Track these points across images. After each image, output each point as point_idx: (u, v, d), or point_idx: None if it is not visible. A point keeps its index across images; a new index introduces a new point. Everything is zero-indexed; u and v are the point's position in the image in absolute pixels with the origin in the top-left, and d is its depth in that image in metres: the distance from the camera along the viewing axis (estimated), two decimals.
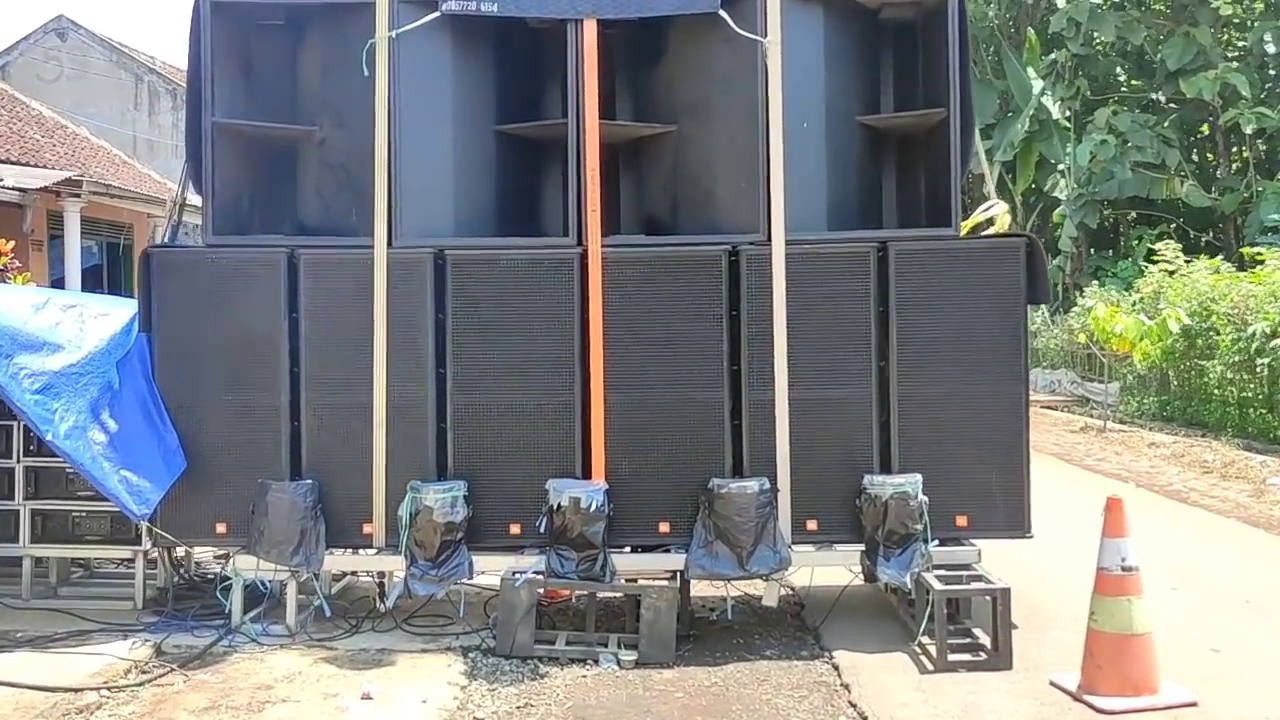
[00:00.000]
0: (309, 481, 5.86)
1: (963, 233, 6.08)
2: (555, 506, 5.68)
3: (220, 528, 6.01)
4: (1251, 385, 14.51)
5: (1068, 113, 25.42)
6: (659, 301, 5.91)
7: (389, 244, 5.99)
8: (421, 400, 5.96)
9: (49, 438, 5.41)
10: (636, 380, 5.91)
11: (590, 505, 5.64)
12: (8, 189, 16.13)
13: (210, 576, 6.69)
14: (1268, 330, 13.51)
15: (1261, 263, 15.13)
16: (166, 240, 6.47)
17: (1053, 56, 25.25)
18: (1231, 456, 12.46)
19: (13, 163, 17.95)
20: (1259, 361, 13.87)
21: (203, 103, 6.01)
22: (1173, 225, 24.80)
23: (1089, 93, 25.70)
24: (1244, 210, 23.40)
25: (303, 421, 6.00)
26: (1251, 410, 14.61)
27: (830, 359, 5.91)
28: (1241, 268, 17.45)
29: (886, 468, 5.90)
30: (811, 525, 5.91)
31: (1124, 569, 4.85)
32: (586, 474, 5.90)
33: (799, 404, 5.88)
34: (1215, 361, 15.08)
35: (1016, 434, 5.92)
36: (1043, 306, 19.67)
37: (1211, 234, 24.96)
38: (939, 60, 6.10)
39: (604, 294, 5.86)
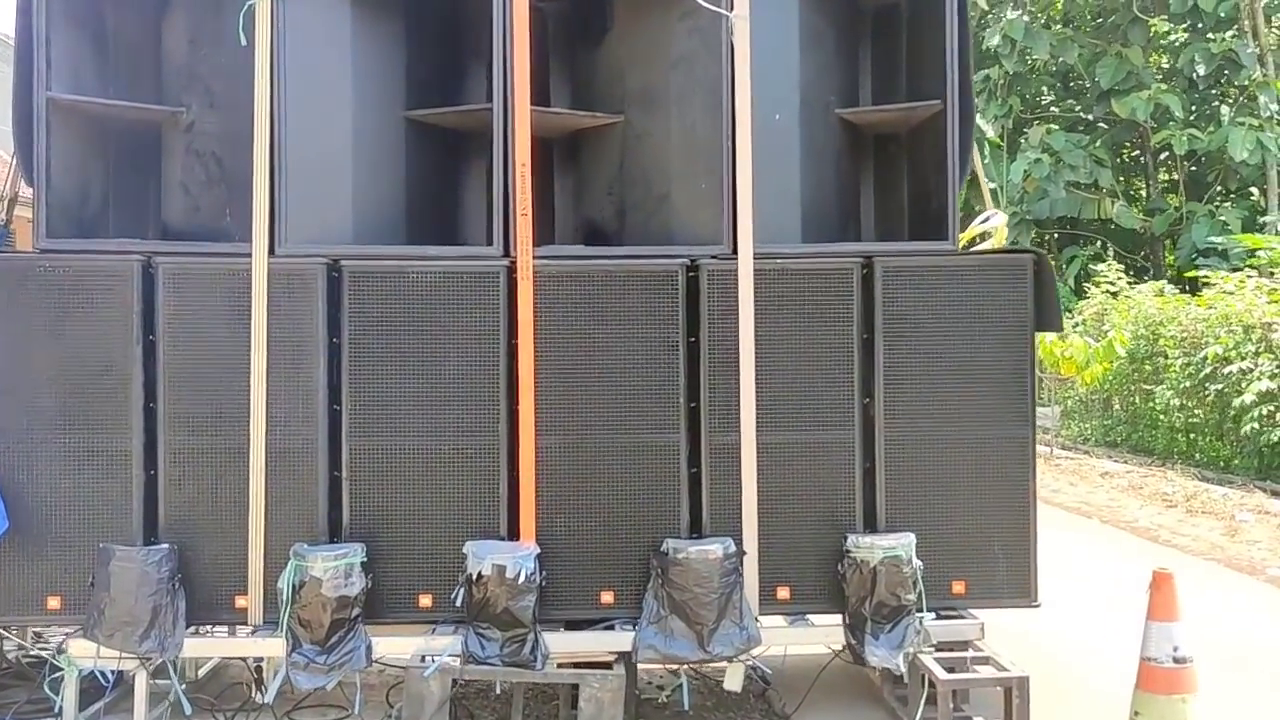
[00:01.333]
0: (164, 547, 4.69)
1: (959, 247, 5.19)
2: (475, 576, 4.60)
3: (53, 602, 4.80)
4: (1199, 412, 14.01)
5: (1000, 130, 25.08)
6: (603, 325, 4.89)
7: (271, 251, 4.88)
8: (309, 444, 4.84)
9: None
10: (575, 420, 4.88)
11: (518, 574, 4.58)
12: None
13: (42, 658, 5.45)
14: (1221, 354, 12.99)
15: (1208, 284, 14.68)
16: None
17: (986, 73, 24.89)
18: (1191, 488, 11.85)
19: None
20: (1209, 388, 13.36)
21: (35, 73, 4.84)
22: (1100, 245, 24.61)
23: (1021, 111, 25.40)
24: (1174, 232, 23.25)
25: (160, 470, 4.84)
26: (1200, 437, 14.11)
27: (806, 395, 4.94)
28: (1184, 290, 17.07)
29: (872, 525, 4.95)
30: (783, 593, 4.92)
31: (1176, 660, 3.99)
32: (513, 534, 4.85)
33: (770, 449, 4.90)
34: (1164, 387, 14.57)
35: (1022, 485, 5.02)
36: None
37: (1141, 255, 24.81)
38: (928, 47, 5.21)
39: (536, 316, 4.83)
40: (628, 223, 5.28)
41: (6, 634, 5.16)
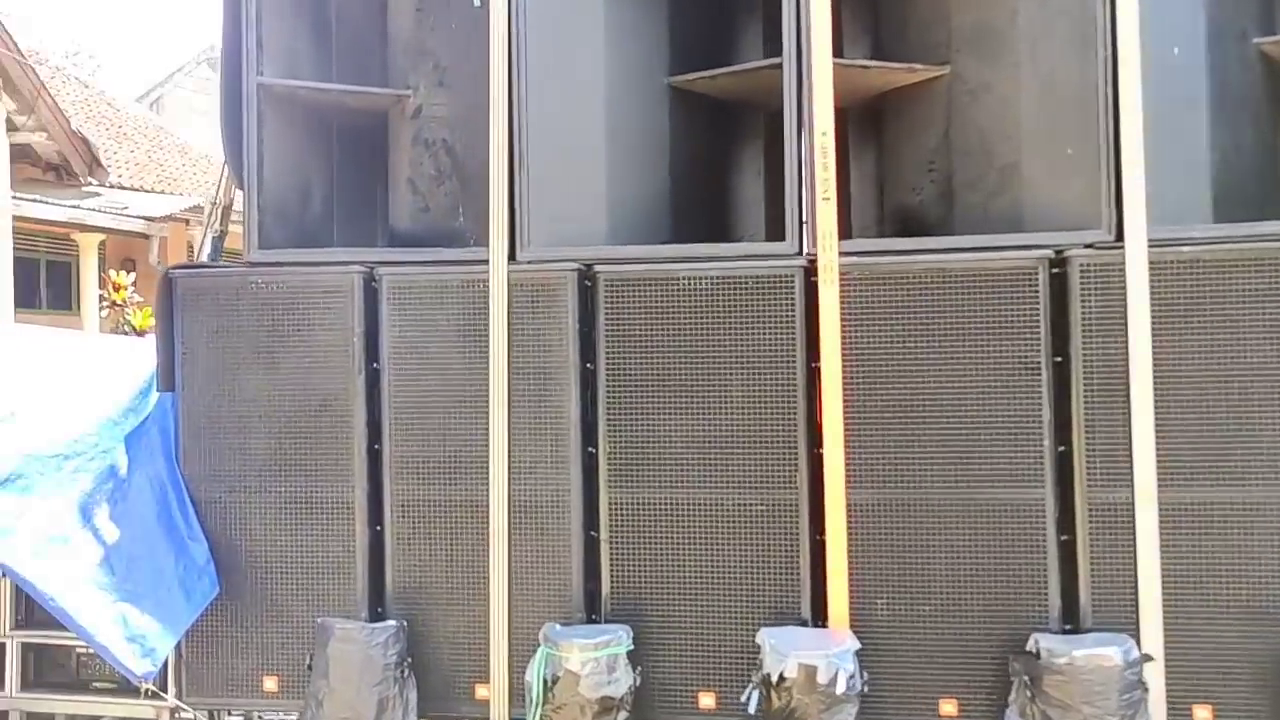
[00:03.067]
0: (391, 625, 3.83)
1: None
2: (775, 678, 3.48)
3: (269, 683, 4.05)
4: None
5: None
6: (934, 342, 3.67)
7: (511, 257, 3.95)
8: (560, 495, 3.88)
9: (0, 559, 3.53)
10: (898, 469, 3.69)
11: (833, 678, 3.42)
12: (132, 217, 15.05)
13: None
14: None
15: None
16: (208, 257, 4.58)
17: None
18: None
19: (146, 191, 17.02)
20: None
21: (244, 56, 4.11)
22: None
23: None
24: None
25: (386, 526, 4.01)
26: None
27: (1231, 436, 3.54)
28: None
29: None
30: (1202, 715, 3.54)
31: None
32: (818, 617, 3.72)
33: (1176, 510, 3.54)
34: None
35: None
36: None
37: None
38: None
39: (845, 331, 3.68)
40: (958, 206, 4.03)
41: None
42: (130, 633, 3.72)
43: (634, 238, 4.04)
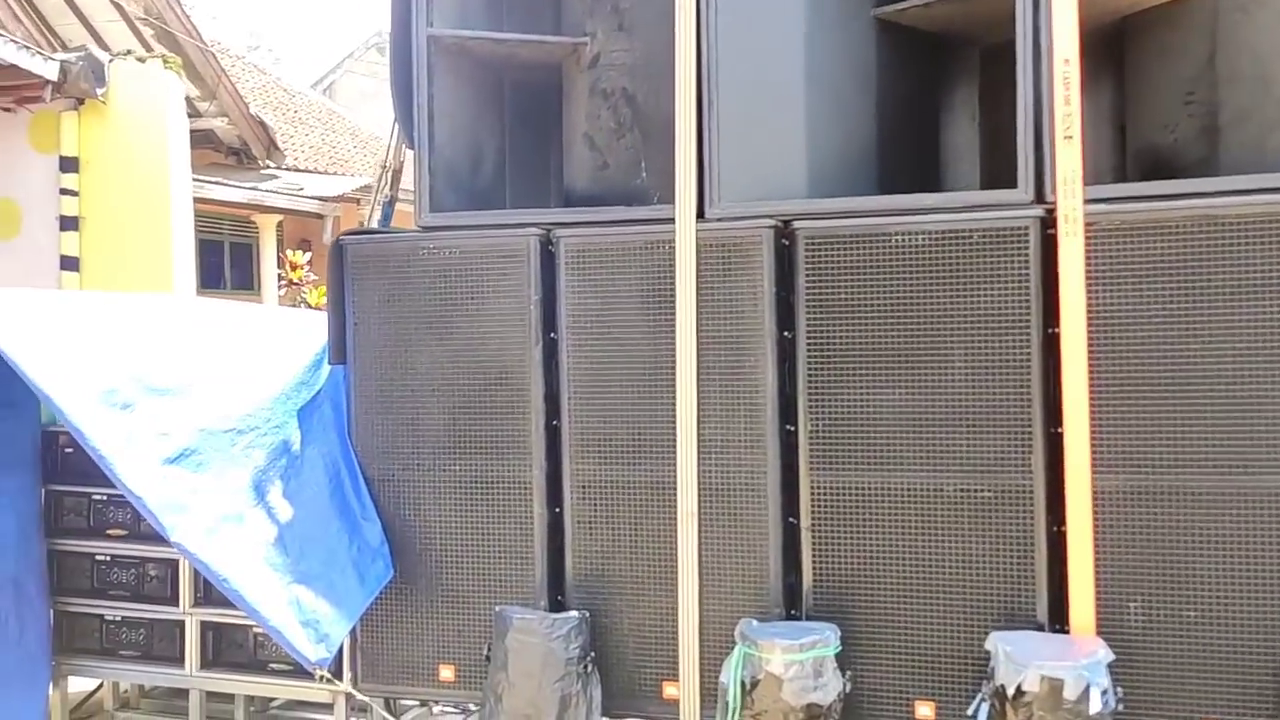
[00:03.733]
0: (574, 616, 3.53)
1: None
2: (1011, 690, 3.01)
3: (445, 672, 3.82)
4: None
5: None
6: (1198, 301, 3.11)
7: (699, 215, 3.57)
8: (756, 479, 3.50)
9: (175, 537, 3.38)
10: (1153, 451, 3.15)
11: (1082, 694, 2.93)
12: (307, 198, 15.39)
13: None
14: None
15: None
16: (378, 224, 4.38)
17: None
18: None
19: (320, 173, 17.43)
20: None
21: (413, 7, 3.86)
22: None
23: None
24: None
25: (565, 508, 3.71)
26: None
27: None
28: None
29: None
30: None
31: None
32: (1057, 621, 3.22)
33: None
34: None
35: None
36: None
37: None
38: None
39: (1089, 289, 3.16)
40: (1225, 143, 3.43)
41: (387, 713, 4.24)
42: (304, 617, 3.54)
43: (837, 189, 3.60)
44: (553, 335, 3.72)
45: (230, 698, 4.43)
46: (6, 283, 7.06)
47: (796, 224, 3.48)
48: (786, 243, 3.50)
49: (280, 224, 15.58)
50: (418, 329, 3.83)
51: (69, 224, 7.35)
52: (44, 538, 4.35)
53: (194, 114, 13.24)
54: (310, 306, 13.82)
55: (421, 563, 3.83)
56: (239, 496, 3.64)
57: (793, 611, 3.49)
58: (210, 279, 15.55)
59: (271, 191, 14.31)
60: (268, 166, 15.45)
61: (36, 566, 4.25)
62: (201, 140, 13.93)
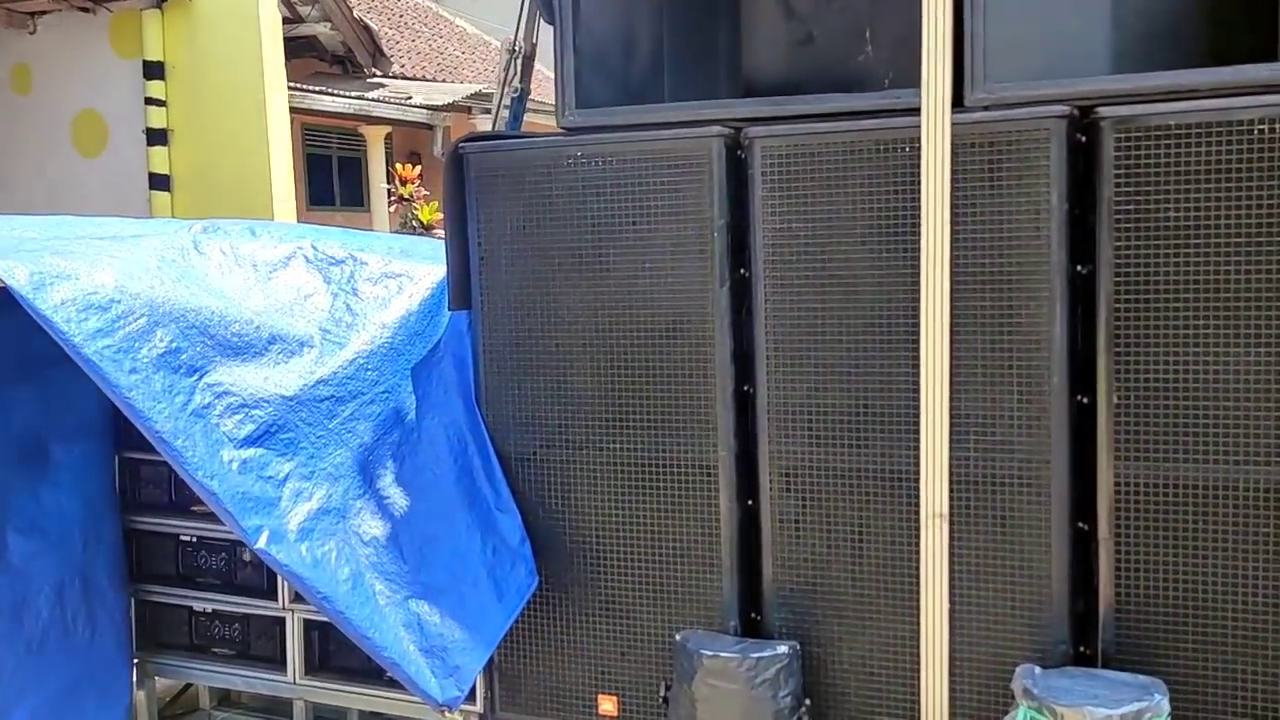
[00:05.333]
0: (782, 651, 2.63)
1: None
2: None
3: (606, 704, 2.99)
4: None
5: None
6: None
7: (956, 103, 2.55)
8: (1033, 467, 2.53)
9: (259, 543, 2.58)
10: None
11: None
12: (415, 107, 14.58)
13: None
14: None
15: None
16: (507, 126, 3.44)
17: None
18: None
19: (428, 80, 16.60)
20: None
21: None
22: None
23: None
24: None
25: (762, 502, 2.80)
26: None
27: None
28: None
29: None
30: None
31: None
32: None
33: None
34: None
35: None
36: None
37: None
38: None
39: None
40: None
41: None
42: (428, 642, 2.74)
43: (1154, 62, 2.53)
44: (744, 272, 2.77)
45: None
46: (93, 207, 6.39)
47: (1102, 110, 2.43)
48: (1085, 137, 2.47)
49: (389, 136, 14.85)
50: (564, 264, 2.91)
51: (157, 138, 6.61)
52: (119, 517, 3.64)
53: (295, 19, 12.48)
54: (421, 223, 13.11)
55: (574, 566, 2.98)
56: (340, 485, 2.83)
57: (1083, 650, 2.55)
58: (319, 196, 14.95)
59: (378, 101, 13.52)
60: (374, 75, 14.66)
61: (109, 553, 3.55)
62: (303, 48, 13.19)
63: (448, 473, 2.98)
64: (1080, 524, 2.54)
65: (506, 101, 3.32)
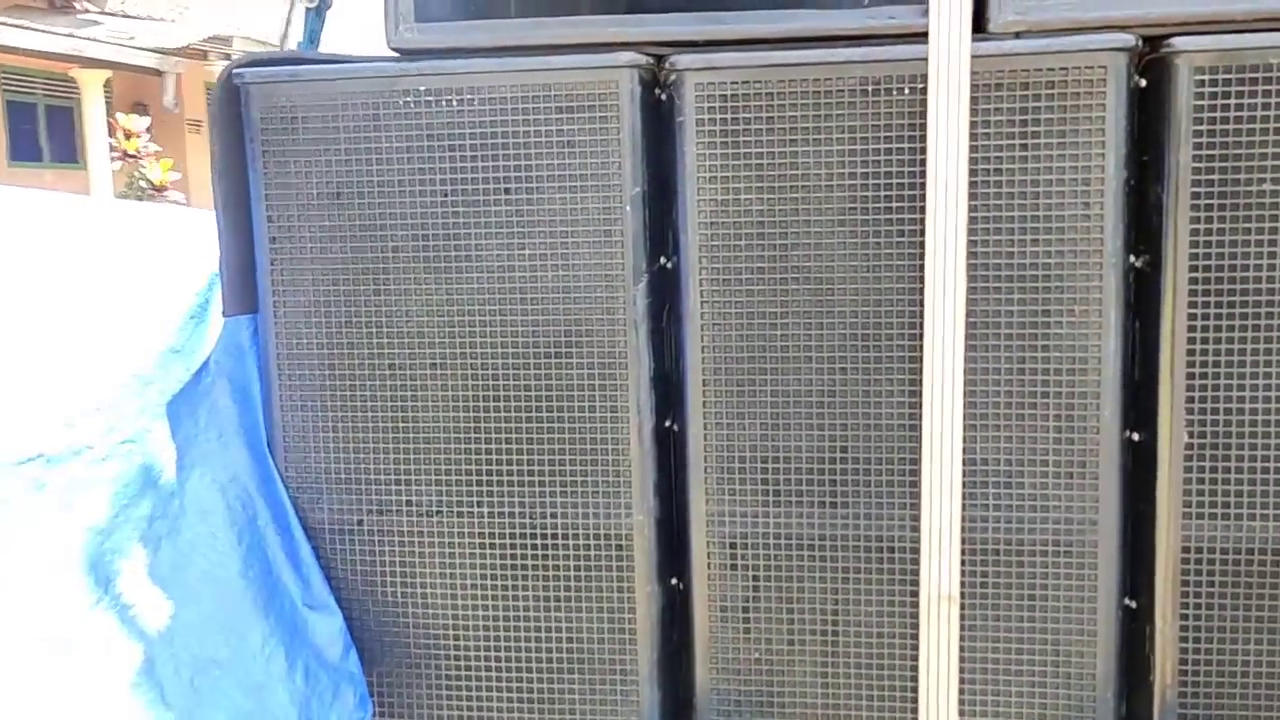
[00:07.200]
0: None
1: None
2: None
3: None
4: None
5: None
6: None
7: (977, 28, 1.82)
8: (1078, 525, 1.87)
9: None
10: None
11: None
12: (140, 49, 12.74)
13: None
14: None
15: None
16: (300, 45, 2.43)
17: None
18: None
19: (154, 19, 14.62)
20: None
21: None
22: None
23: None
24: None
25: (695, 581, 2.01)
26: None
27: None
28: None
29: None
30: None
31: None
32: None
33: None
34: None
35: None
36: None
37: None
38: None
39: None
40: None
41: None
42: None
43: None
44: (668, 261, 1.96)
45: None
46: None
47: (1174, 42, 1.77)
48: (1151, 75, 1.80)
49: (108, 82, 12.92)
50: (401, 248, 1.99)
51: None
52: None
53: None
54: (152, 185, 11.43)
55: (422, 683, 2.08)
56: (60, 591, 1.81)
57: None
58: (22, 150, 12.85)
59: (94, 40, 11.63)
60: (87, 11, 12.69)
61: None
62: None
63: (229, 558, 2.01)
64: (1130, 601, 1.91)
65: (300, 8, 2.31)
